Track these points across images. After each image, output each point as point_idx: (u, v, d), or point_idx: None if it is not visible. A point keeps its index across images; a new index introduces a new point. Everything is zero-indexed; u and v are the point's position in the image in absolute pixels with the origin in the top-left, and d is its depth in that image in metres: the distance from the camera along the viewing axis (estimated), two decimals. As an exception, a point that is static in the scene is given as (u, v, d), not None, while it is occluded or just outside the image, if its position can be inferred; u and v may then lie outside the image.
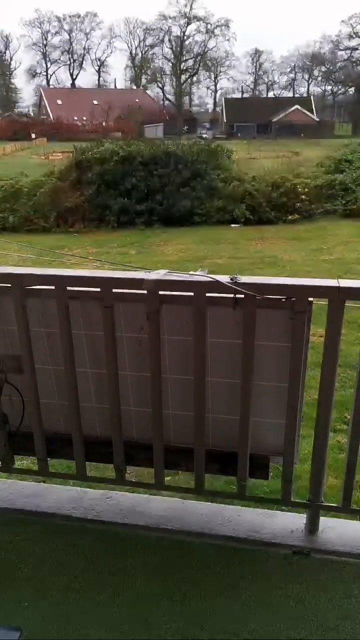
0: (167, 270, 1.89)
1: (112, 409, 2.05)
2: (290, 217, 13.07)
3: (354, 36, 57.21)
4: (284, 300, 1.80)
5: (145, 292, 1.84)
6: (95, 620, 1.82)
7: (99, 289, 1.90)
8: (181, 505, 2.33)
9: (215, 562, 2.02)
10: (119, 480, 2.22)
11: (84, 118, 50.74)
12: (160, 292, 1.85)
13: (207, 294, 1.82)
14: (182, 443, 2.12)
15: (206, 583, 1.93)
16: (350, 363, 4.58)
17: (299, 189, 13.46)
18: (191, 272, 1.92)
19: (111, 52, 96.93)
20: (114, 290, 1.89)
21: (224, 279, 1.79)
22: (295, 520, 2.20)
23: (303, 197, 13.33)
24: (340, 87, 63.94)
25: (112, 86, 71.19)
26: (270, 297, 1.80)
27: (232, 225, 13.05)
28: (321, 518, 2.16)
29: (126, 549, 2.10)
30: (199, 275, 1.86)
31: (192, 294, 1.84)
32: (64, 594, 1.92)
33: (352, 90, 60.68)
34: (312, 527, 2.13)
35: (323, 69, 64.94)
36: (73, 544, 2.13)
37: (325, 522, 2.17)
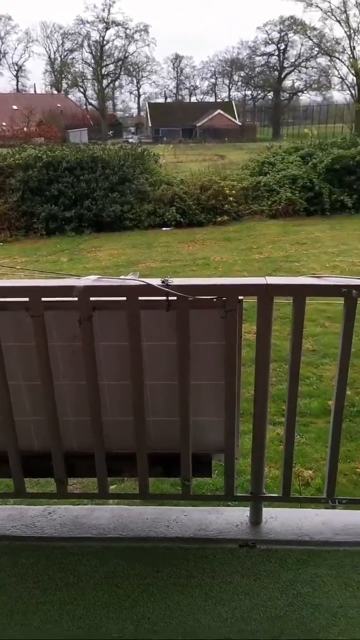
0: (98, 276, 1.87)
1: (49, 420, 2.00)
2: (219, 218, 13.31)
3: (270, 42, 59.42)
4: (215, 300, 1.84)
5: (76, 299, 1.81)
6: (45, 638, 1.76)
7: (27, 299, 1.84)
8: (126, 512, 2.31)
9: (164, 564, 2.02)
10: (61, 493, 2.16)
11: (3, 124, 49.01)
12: (92, 298, 1.83)
13: (140, 298, 1.82)
14: (124, 449, 2.10)
15: (155, 586, 1.93)
16: (286, 357, 4.75)
17: (227, 191, 13.76)
18: (122, 277, 1.92)
19: (29, 57, 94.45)
20: (43, 299, 1.84)
21: (156, 282, 1.80)
22: (240, 514, 2.24)
23: (231, 199, 13.64)
24: (259, 91, 66.19)
25: (32, 91, 69.44)
26: (202, 297, 1.83)
27: (164, 228, 13.11)
28: (265, 509, 2.23)
29: (72, 563, 2.05)
30: (131, 280, 1.86)
31: (124, 298, 1.83)
32: (9, 618, 1.84)
33: (271, 94, 63.01)
34: (255, 519, 2.19)
35: (242, 74, 66.95)
36: (15, 564, 2.05)
37: (269, 513, 2.23)
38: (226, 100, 67.20)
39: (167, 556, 2.06)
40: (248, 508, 2.24)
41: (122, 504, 2.43)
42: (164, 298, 1.80)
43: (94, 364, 1.91)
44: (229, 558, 2.04)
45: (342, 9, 31.02)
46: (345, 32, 31.65)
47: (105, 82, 62.14)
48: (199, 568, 2.00)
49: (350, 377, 5.12)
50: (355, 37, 31.48)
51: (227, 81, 71.72)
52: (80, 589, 1.93)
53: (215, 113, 55.43)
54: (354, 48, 31.74)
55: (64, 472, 2.10)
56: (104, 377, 1.97)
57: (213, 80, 72.84)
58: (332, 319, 6.04)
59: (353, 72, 31.83)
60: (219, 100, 68.56)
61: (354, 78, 31.93)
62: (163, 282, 1.79)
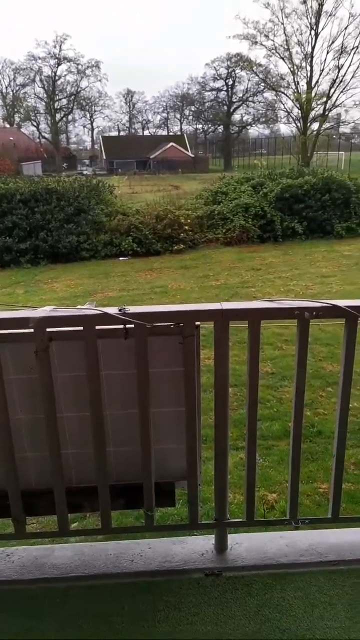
0: (54, 307, 1.86)
1: (5, 457, 1.93)
2: (176, 247, 13.52)
3: (218, 78, 61.74)
4: (172, 326, 1.86)
5: (32, 330, 1.78)
6: None
7: (-19, 332, 1.80)
8: (89, 549, 2.24)
9: (129, 600, 1.96)
10: (19, 534, 2.07)
11: None
12: (48, 329, 1.81)
13: (97, 327, 1.82)
14: (85, 482, 2.05)
15: (121, 624, 1.86)
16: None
17: (182, 220, 14.02)
18: (79, 307, 1.91)
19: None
20: (-3, 331, 1.81)
21: (113, 310, 1.80)
22: (205, 543, 2.22)
23: (186, 227, 13.90)
24: (210, 125, 68.42)
25: (-16, 125, 68.98)
26: (160, 324, 1.84)
27: (121, 258, 13.17)
28: (230, 535, 2.21)
29: (33, 606, 1.95)
30: (87, 309, 1.85)
31: (81, 328, 1.82)
32: (-34, 672, 1.73)
33: (221, 128, 65.23)
34: (221, 545, 2.17)
35: (193, 108, 69.13)
36: (-28, 613, 1.94)
37: (234, 539, 2.22)
38: (178, 133, 69.12)
39: (132, 592, 2.00)
40: (213, 536, 2.22)
41: (84, 541, 2.36)
42: (122, 326, 1.81)
43: (52, 396, 1.88)
44: (195, 588, 2.00)
45: (285, 46, 32.69)
46: (289, 68, 33.30)
47: (58, 116, 62.66)
48: (164, 601, 1.95)
49: (309, 398, 5.23)
50: (299, 73, 33.21)
51: (178, 115, 73.94)
52: (43, 633, 1.84)
53: (168, 145, 56.83)
54: (298, 83, 33.41)
55: (21, 511, 2.02)
56: (62, 408, 1.94)
57: (165, 115, 74.96)
58: (289, 342, 6.18)
59: (298, 105, 33.48)
60: (171, 133, 70.44)
61: (299, 111, 33.58)
62: (120, 310, 1.79)
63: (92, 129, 77.36)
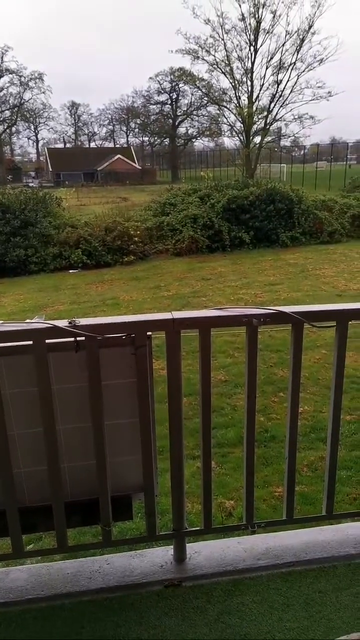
0: (1, 321, 1.81)
1: None
2: (126, 258, 13.49)
3: (162, 92, 62.52)
4: (124, 337, 1.85)
5: (-22, 346, 1.73)
6: None
7: None
8: (46, 569, 2.17)
9: (89, 619, 1.92)
10: (-29, 559, 1.99)
11: None
12: (-4, 345, 1.76)
13: (47, 341, 1.79)
14: (39, 501, 1.99)
15: (81, 645, 1.82)
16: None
17: (131, 232, 14.02)
18: (27, 320, 1.87)
19: None
20: None
21: (62, 323, 1.78)
22: (164, 554, 2.21)
23: (136, 239, 13.91)
24: (156, 138, 69.03)
25: None
26: (111, 335, 1.84)
27: (71, 270, 12.99)
28: (189, 545, 2.21)
29: (-13, 635, 1.88)
30: (36, 323, 1.82)
31: (30, 342, 1.78)
32: None
33: (167, 140, 65.95)
34: (180, 555, 2.16)
35: (138, 121, 69.57)
36: None
37: (193, 548, 2.22)
38: (125, 145, 69.32)
39: (91, 610, 1.96)
40: (172, 547, 2.21)
41: (41, 562, 2.29)
42: (72, 339, 1.79)
43: (2, 413, 1.82)
44: (156, 601, 1.98)
45: (226, 62, 33.62)
46: (231, 83, 34.25)
47: (1, 127, 61.38)
48: (125, 617, 1.92)
49: (262, 404, 5.32)
50: (240, 88, 34.19)
51: (124, 128, 74.26)
52: (-2, 662, 1.77)
53: (116, 157, 56.86)
54: (239, 98, 34.40)
55: (-27, 535, 1.94)
56: (13, 426, 1.88)
57: (111, 127, 75.12)
58: (240, 349, 6.28)
59: (240, 119, 34.41)
60: (117, 145, 70.55)
61: (241, 125, 34.51)
62: (70, 323, 1.77)
63: (37, 141, 76.44)
